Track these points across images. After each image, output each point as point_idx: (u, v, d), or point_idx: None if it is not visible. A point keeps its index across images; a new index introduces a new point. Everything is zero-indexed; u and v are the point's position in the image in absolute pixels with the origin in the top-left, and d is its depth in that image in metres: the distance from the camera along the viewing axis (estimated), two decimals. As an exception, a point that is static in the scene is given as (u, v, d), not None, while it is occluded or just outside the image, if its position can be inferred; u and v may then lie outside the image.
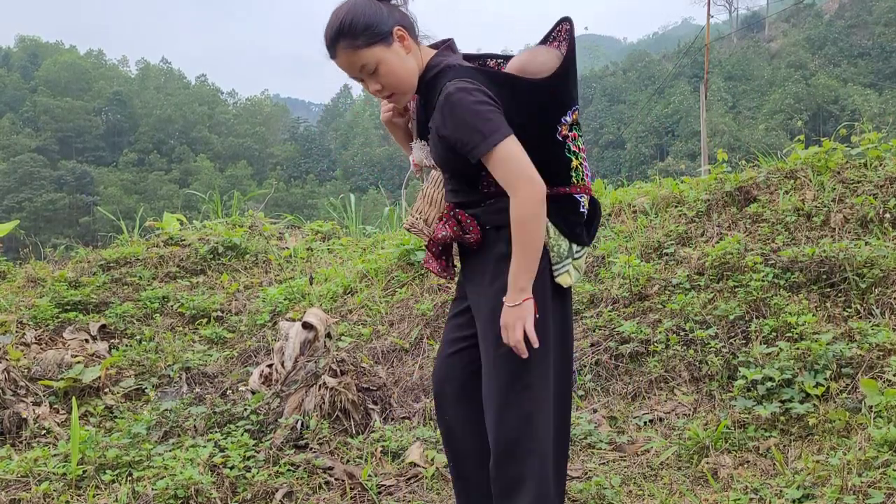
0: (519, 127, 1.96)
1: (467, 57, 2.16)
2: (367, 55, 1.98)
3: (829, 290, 3.88)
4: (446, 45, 2.12)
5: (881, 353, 3.31)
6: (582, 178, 2.12)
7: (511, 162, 1.92)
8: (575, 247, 2.10)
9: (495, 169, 1.95)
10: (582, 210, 2.11)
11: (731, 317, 3.82)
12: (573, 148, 2.09)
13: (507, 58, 2.20)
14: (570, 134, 2.08)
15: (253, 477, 3.00)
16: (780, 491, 2.61)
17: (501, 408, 2.05)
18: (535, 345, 1.98)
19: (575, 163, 2.09)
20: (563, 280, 2.09)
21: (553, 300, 2.10)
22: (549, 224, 2.05)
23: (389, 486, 3.00)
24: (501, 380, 2.06)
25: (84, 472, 3.13)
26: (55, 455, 3.32)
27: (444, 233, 2.14)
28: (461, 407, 2.29)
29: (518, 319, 1.96)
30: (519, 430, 2.04)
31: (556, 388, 2.14)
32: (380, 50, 1.98)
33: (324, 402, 3.48)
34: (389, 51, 1.99)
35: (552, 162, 2.04)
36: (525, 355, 1.99)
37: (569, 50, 2.06)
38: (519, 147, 1.93)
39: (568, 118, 2.07)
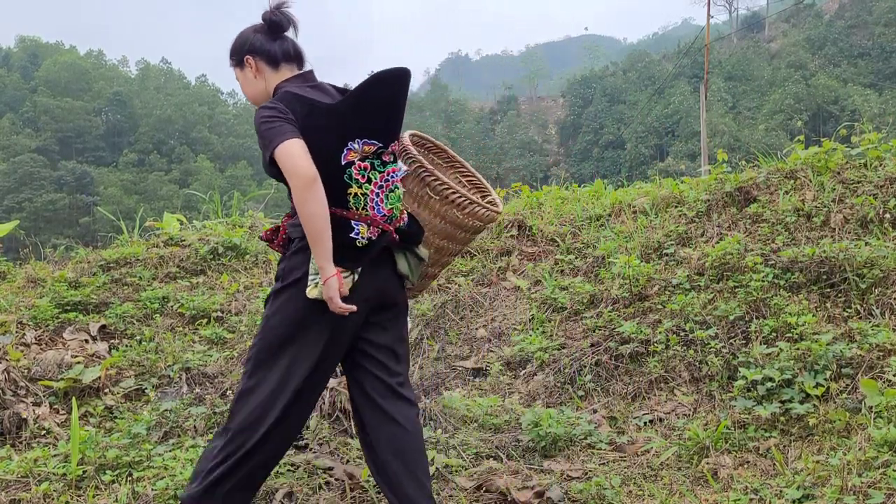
0: (311, 143, 2.24)
1: (338, 88, 2.49)
2: (234, 72, 2.58)
3: (829, 290, 3.88)
4: (300, 74, 2.50)
5: (881, 354, 3.31)
6: (363, 207, 2.35)
7: (285, 160, 2.21)
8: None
9: (282, 169, 2.23)
10: (354, 236, 2.31)
11: (731, 317, 3.82)
12: (356, 176, 2.34)
13: None
14: (359, 163, 2.34)
15: (253, 477, 2.99)
16: (780, 491, 2.61)
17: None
18: (351, 309, 2.28)
19: (354, 190, 2.33)
20: (309, 292, 2.28)
21: (306, 308, 2.31)
22: None
23: (389, 486, 3.00)
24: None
25: (84, 472, 3.13)
26: (55, 455, 3.32)
27: (261, 234, 2.57)
28: None
29: (328, 296, 2.26)
30: (232, 407, 2.38)
31: (289, 386, 2.33)
32: (237, 71, 2.56)
33: (324, 403, 3.48)
34: (241, 73, 2.54)
35: (331, 182, 2.28)
36: (350, 308, 2.28)
37: (366, 85, 2.34)
38: (295, 148, 2.20)
39: (357, 146, 2.32)
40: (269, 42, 2.48)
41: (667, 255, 4.69)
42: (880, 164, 4.94)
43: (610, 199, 5.87)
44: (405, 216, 2.50)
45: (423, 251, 2.58)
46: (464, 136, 75.93)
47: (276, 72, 2.49)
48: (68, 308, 5.08)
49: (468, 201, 2.62)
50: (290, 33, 2.54)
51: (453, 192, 2.60)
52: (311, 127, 2.28)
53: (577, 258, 5.11)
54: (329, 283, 2.25)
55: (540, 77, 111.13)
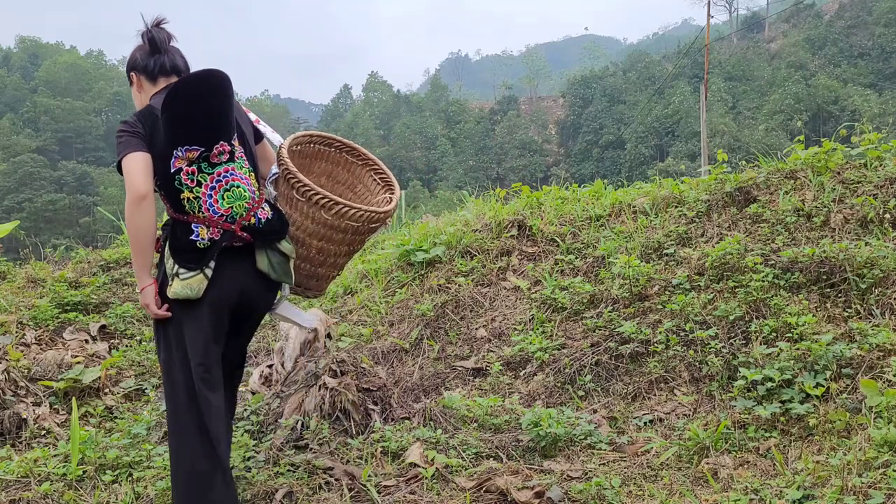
0: (155, 155, 2.43)
1: None
2: None
3: (829, 290, 3.88)
4: (167, 86, 2.57)
5: (881, 354, 3.31)
6: (199, 210, 2.47)
7: (125, 174, 2.40)
8: (179, 268, 2.45)
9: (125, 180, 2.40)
10: (194, 238, 2.46)
11: (731, 317, 3.82)
12: (185, 181, 2.46)
13: None
14: (187, 168, 2.45)
15: (253, 477, 3.00)
16: (781, 491, 2.61)
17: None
18: (166, 315, 2.48)
19: (186, 195, 2.47)
20: (169, 291, 2.46)
21: (174, 305, 2.47)
22: (168, 242, 2.51)
23: (389, 486, 3.00)
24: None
25: (84, 472, 3.13)
26: (55, 455, 3.32)
27: None
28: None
29: (144, 303, 2.51)
30: (166, 409, 2.56)
31: (183, 377, 2.50)
32: (130, 85, 2.69)
33: (324, 403, 3.48)
34: (132, 87, 2.69)
35: (167, 189, 2.48)
36: (165, 315, 2.49)
37: (171, 93, 2.44)
38: (133, 163, 2.38)
39: (181, 153, 2.44)
40: (147, 58, 2.62)
41: (667, 255, 4.69)
42: (880, 165, 4.94)
43: (610, 200, 5.86)
44: (264, 212, 2.56)
45: (286, 247, 2.62)
46: (464, 136, 75.91)
47: (155, 85, 2.62)
48: (68, 308, 5.08)
49: (332, 202, 2.61)
50: (176, 45, 2.67)
51: (315, 194, 2.60)
52: (155, 139, 2.43)
53: (577, 258, 5.11)
54: (144, 292, 2.47)
55: (540, 77, 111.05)
